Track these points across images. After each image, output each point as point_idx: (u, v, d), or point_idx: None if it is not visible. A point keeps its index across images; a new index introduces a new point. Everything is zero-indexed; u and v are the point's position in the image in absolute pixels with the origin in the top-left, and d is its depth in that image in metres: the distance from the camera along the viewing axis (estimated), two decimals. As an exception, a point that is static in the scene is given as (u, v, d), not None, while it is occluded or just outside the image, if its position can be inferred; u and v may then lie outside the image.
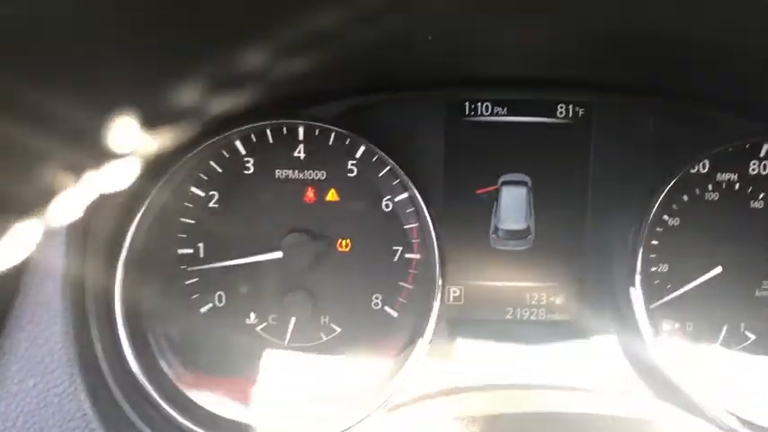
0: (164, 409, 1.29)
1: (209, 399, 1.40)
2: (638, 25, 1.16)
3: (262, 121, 1.44)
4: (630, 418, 1.31)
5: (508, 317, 1.67)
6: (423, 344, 1.52)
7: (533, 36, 1.26)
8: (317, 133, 1.57)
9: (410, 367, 1.49)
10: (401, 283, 1.62)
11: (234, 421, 1.38)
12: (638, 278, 1.57)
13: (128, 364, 1.29)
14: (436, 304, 1.52)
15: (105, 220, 1.23)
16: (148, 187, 1.36)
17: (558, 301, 1.67)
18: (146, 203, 1.35)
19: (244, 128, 1.43)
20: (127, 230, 1.33)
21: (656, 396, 1.59)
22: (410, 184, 1.53)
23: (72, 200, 1.13)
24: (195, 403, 1.37)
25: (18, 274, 1.11)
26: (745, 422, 1.49)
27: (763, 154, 1.64)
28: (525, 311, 1.67)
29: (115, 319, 1.29)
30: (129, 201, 1.34)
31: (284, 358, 1.61)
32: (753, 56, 1.29)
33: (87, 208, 1.15)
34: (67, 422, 1.10)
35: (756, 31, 1.16)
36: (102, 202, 1.20)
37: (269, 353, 1.60)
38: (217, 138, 1.41)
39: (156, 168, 1.36)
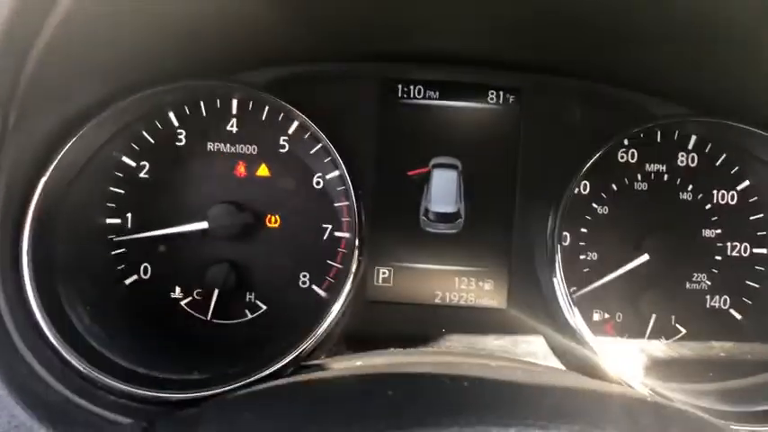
0: (63, 355, 1.26)
1: (115, 351, 1.38)
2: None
3: (193, 81, 1.46)
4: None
5: (437, 300, 1.65)
6: (332, 317, 1.48)
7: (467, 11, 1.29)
8: (250, 107, 1.59)
9: (316, 339, 1.46)
10: (330, 262, 1.61)
11: (136, 372, 1.35)
12: (558, 268, 1.55)
13: (30, 306, 1.27)
14: (351, 276, 1.51)
15: (20, 162, 1.23)
16: (65, 138, 1.36)
17: (487, 286, 1.66)
18: (61, 153, 1.36)
19: (175, 86, 1.45)
20: (41, 176, 1.33)
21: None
22: (341, 163, 1.54)
23: None
24: (97, 350, 1.34)
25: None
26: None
27: (691, 146, 1.66)
28: (454, 295, 1.65)
29: (22, 274, 1.28)
30: (46, 148, 1.34)
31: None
32: (680, 40, 1.32)
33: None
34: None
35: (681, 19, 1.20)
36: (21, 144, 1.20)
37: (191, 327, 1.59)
38: (146, 93, 1.43)
39: (75, 119, 1.37)
